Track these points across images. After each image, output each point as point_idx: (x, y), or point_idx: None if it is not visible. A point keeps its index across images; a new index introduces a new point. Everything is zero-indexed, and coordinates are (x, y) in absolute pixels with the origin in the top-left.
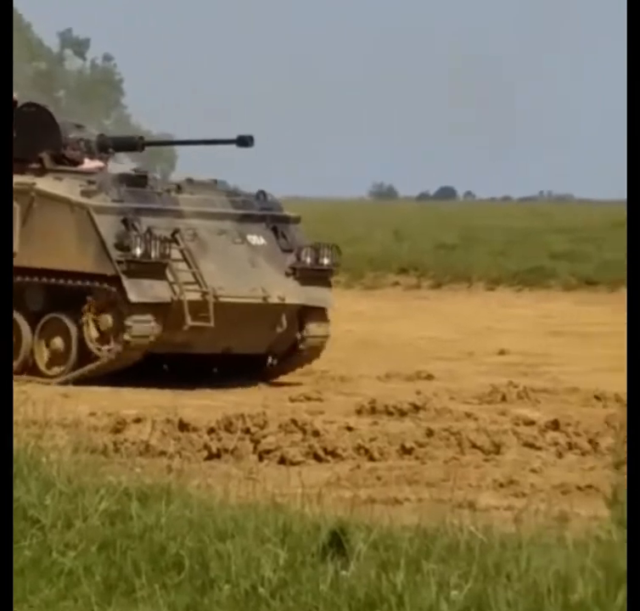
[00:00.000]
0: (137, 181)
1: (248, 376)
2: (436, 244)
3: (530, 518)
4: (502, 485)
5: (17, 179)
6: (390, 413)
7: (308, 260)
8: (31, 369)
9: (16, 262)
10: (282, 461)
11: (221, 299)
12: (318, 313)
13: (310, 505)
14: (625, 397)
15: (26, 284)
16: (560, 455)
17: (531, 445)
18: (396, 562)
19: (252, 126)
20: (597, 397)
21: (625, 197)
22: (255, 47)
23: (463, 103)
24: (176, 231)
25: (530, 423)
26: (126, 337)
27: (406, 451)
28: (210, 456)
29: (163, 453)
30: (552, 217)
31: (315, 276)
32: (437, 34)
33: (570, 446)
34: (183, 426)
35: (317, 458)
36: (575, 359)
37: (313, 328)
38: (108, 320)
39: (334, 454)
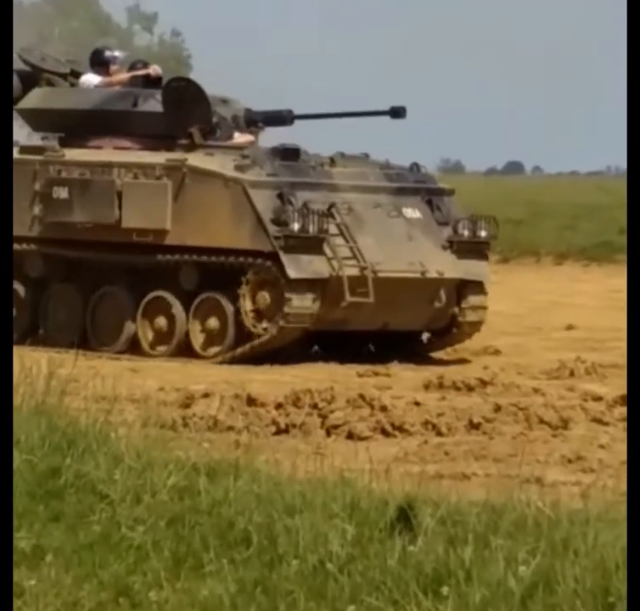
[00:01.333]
0: (289, 154)
1: (403, 353)
2: (504, 219)
3: (597, 494)
4: (569, 461)
5: (167, 155)
6: (457, 388)
7: (465, 232)
8: (186, 350)
9: (168, 240)
10: (349, 436)
11: (380, 275)
12: (476, 287)
13: (377, 480)
14: None
15: (180, 263)
16: None
17: (599, 421)
18: (464, 537)
19: (313, 102)
20: None
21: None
22: (325, 19)
23: (531, 79)
24: (331, 205)
25: (598, 398)
26: (286, 314)
27: (473, 426)
28: (278, 432)
29: (231, 428)
30: (620, 192)
31: (472, 249)
32: (503, 12)
33: None
34: (251, 401)
35: (385, 433)
36: None
37: (472, 303)
38: (266, 297)
39: (401, 429)
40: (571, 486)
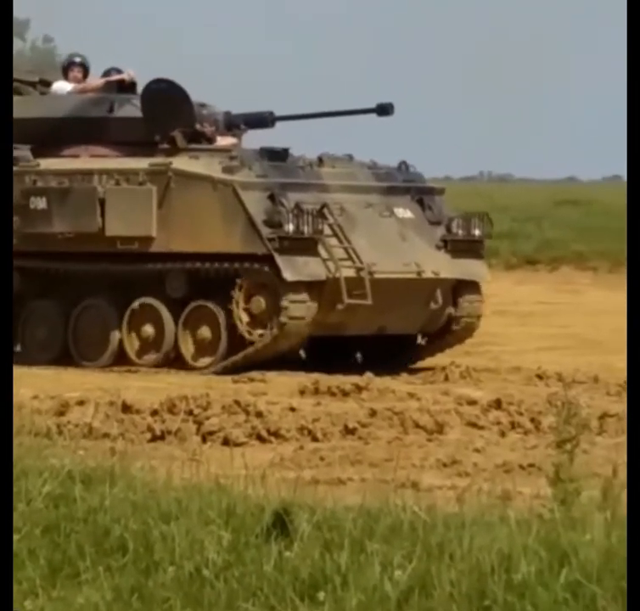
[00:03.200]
0: (278, 155)
1: (395, 359)
2: None
3: (473, 498)
4: (445, 465)
5: (150, 160)
6: (332, 394)
7: (459, 231)
8: (175, 362)
9: (154, 248)
10: (225, 442)
11: (376, 275)
12: (472, 287)
13: (253, 486)
14: (566, 375)
15: (167, 271)
16: (503, 434)
17: (474, 425)
18: (340, 542)
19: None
20: (539, 376)
21: (564, 176)
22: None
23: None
24: (324, 205)
25: (473, 402)
26: (283, 319)
27: (349, 431)
28: (154, 438)
29: (106, 435)
30: (493, 197)
31: (467, 248)
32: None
33: (513, 425)
34: (126, 408)
35: (261, 439)
36: (517, 338)
37: (468, 304)
38: (260, 302)
39: (277, 435)
40: (447, 490)
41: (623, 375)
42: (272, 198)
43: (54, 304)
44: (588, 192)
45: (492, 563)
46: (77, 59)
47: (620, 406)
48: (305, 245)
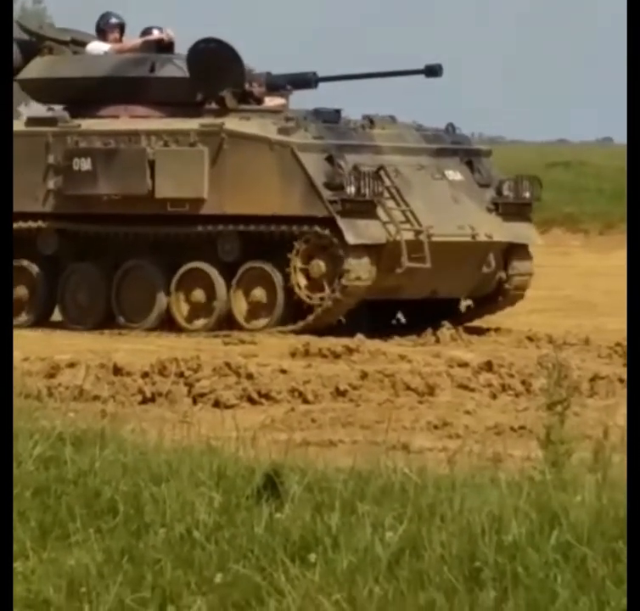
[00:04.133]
0: (331, 116)
1: (440, 322)
2: None
3: (463, 460)
4: (436, 427)
5: (200, 121)
6: (323, 356)
7: (510, 194)
8: (226, 324)
9: (205, 210)
10: (216, 404)
11: (434, 239)
12: (523, 251)
13: (244, 448)
14: (556, 338)
15: (218, 233)
16: (494, 396)
17: (465, 387)
18: (331, 504)
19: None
20: (529, 338)
21: (555, 138)
22: None
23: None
24: (380, 167)
25: (464, 364)
26: (344, 282)
27: (340, 393)
28: (145, 401)
29: (97, 398)
30: None
31: (516, 211)
32: None
33: (503, 388)
34: (117, 370)
35: (252, 401)
36: None
37: (519, 267)
38: (320, 266)
39: (268, 397)
40: (438, 452)
41: (614, 337)
42: (330, 159)
43: (97, 267)
44: (580, 153)
45: (483, 525)
46: (114, 20)
47: (611, 369)
48: (365, 208)
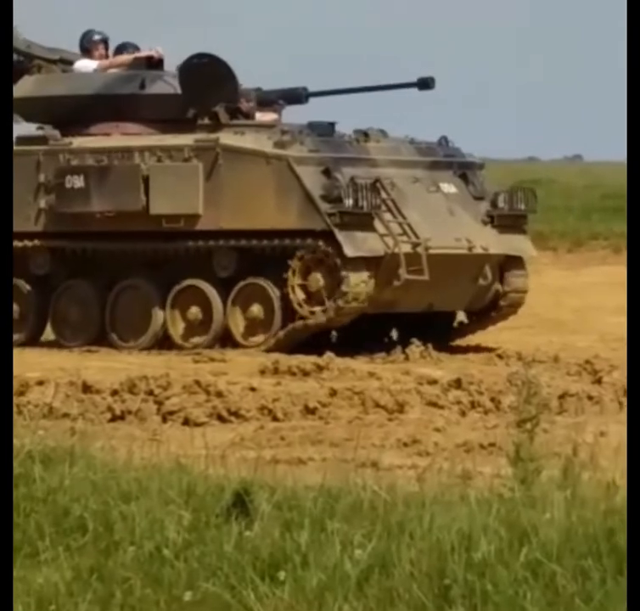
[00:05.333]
0: (326, 130)
1: (432, 339)
2: None
3: (433, 477)
4: (405, 444)
5: (194, 136)
6: (293, 373)
7: (505, 206)
8: (225, 340)
9: (201, 226)
10: (185, 422)
11: (431, 251)
12: (518, 263)
13: (214, 466)
14: (526, 355)
15: (215, 249)
16: (463, 413)
17: (434, 404)
18: (300, 521)
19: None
20: (499, 355)
21: (524, 156)
22: None
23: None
24: (376, 180)
25: (433, 382)
26: (343, 295)
27: (309, 411)
28: (114, 418)
29: (66, 415)
30: None
31: (512, 223)
32: None
33: (473, 405)
34: (87, 388)
35: (221, 419)
36: None
37: (515, 280)
38: (318, 279)
39: (237, 415)
40: (407, 469)
41: (583, 354)
42: (326, 172)
43: (90, 285)
44: (549, 171)
45: (452, 542)
46: (97, 37)
47: (580, 386)
48: (363, 220)
